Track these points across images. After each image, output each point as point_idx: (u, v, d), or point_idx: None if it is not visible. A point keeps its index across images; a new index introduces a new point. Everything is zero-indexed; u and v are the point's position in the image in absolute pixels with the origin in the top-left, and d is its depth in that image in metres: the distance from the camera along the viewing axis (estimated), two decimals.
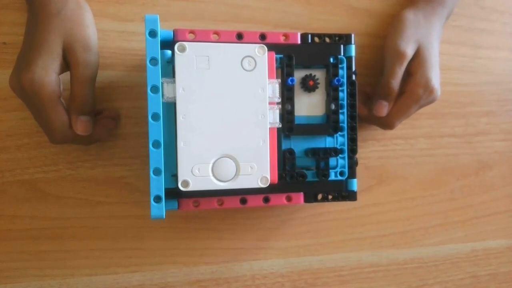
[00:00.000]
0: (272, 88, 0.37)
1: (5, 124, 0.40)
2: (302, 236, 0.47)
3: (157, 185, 0.34)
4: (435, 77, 0.43)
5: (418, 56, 0.43)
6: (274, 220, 0.46)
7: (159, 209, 0.34)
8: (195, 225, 0.45)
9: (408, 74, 0.43)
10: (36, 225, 0.41)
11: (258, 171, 0.36)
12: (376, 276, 0.49)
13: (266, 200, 0.39)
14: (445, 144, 0.51)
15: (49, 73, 0.34)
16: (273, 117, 0.37)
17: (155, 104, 0.34)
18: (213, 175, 0.35)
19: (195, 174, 0.35)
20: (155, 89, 0.34)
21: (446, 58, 0.51)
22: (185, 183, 0.35)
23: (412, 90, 0.42)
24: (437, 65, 0.44)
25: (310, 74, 0.39)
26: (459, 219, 0.52)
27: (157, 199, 0.34)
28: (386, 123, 0.44)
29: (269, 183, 0.36)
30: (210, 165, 0.35)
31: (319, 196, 0.40)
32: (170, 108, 0.36)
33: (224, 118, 0.35)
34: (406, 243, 0.50)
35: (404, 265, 0.50)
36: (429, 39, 0.44)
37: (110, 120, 0.41)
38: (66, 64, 0.36)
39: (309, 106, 0.40)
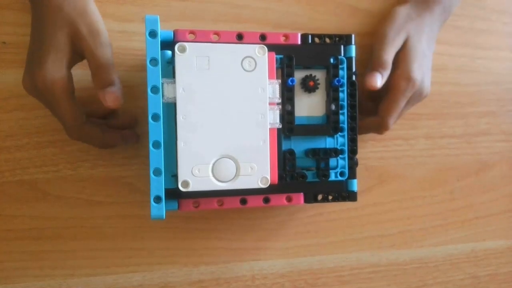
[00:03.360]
0: (272, 89, 0.37)
1: (5, 124, 0.40)
2: (302, 236, 0.47)
3: (157, 185, 0.34)
4: (418, 69, 0.43)
5: (404, 47, 0.44)
6: (274, 221, 0.46)
7: (159, 210, 0.34)
8: (195, 225, 0.45)
9: (394, 67, 0.43)
10: (36, 225, 0.41)
11: (258, 171, 0.36)
12: (376, 276, 0.49)
13: (266, 200, 0.38)
14: (445, 144, 0.51)
15: (60, 69, 0.35)
16: (273, 117, 0.37)
17: (155, 105, 0.34)
18: (213, 176, 0.35)
19: (195, 174, 0.35)
20: (155, 89, 0.34)
21: (446, 58, 0.51)
22: (185, 184, 0.35)
23: (395, 82, 0.43)
24: (424, 60, 0.44)
25: (310, 75, 0.39)
26: (459, 219, 0.52)
27: (157, 199, 0.34)
28: (380, 124, 0.44)
29: (269, 183, 0.36)
30: (210, 165, 0.35)
31: (319, 197, 0.40)
32: (170, 108, 0.36)
33: (224, 118, 0.35)
34: (406, 243, 0.50)
35: (404, 266, 0.50)
36: (419, 33, 0.44)
37: (133, 133, 0.41)
38: (78, 55, 0.36)
39: (309, 106, 0.40)
